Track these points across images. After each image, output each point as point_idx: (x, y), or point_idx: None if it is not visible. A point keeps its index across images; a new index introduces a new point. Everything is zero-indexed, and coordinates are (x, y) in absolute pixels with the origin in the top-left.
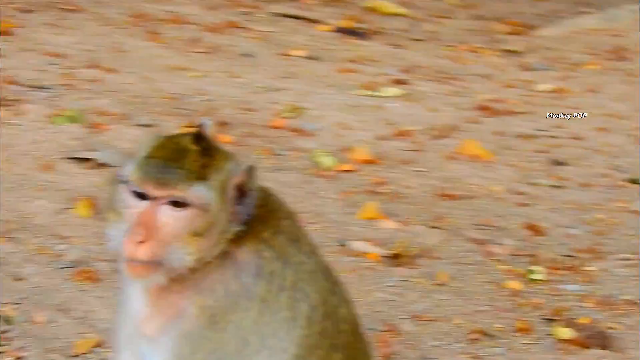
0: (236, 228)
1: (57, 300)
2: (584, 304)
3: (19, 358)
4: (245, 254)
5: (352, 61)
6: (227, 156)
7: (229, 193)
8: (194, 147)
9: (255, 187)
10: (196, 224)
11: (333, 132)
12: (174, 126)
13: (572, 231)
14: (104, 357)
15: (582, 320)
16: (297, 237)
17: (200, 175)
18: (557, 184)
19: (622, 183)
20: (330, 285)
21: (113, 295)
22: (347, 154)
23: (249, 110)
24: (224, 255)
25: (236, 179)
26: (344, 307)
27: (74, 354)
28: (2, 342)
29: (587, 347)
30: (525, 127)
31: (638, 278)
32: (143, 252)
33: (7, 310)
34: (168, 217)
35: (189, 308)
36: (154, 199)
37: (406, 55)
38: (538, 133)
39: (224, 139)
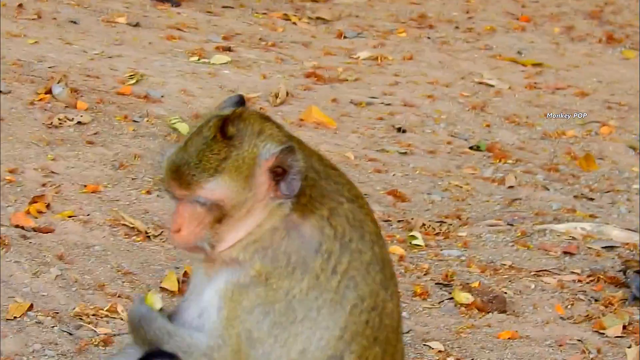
0: (283, 202)
1: None
2: (468, 269)
3: None
4: (308, 229)
5: (173, 28)
6: (258, 140)
7: (260, 177)
8: (217, 138)
9: (296, 165)
10: (217, 214)
11: (179, 99)
12: (29, 92)
13: (433, 197)
14: (39, 320)
15: (474, 286)
16: (361, 224)
17: (216, 171)
18: (404, 151)
19: (466, 150)
20: (384, 279)
21: (27, 259)
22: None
23: (94, 77)
24: (291, 225)
25: (268, 163)
26: (392, 303)
27: (9, 317)
28: None
29: (487, 312)
30: (357, 94)
31: (510, 243)
32: (179, 240)
33: None
34: (192, 212)
35: (248, 266)
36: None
37: (221, 23)
38: (371, 100)
39: (80, 106)
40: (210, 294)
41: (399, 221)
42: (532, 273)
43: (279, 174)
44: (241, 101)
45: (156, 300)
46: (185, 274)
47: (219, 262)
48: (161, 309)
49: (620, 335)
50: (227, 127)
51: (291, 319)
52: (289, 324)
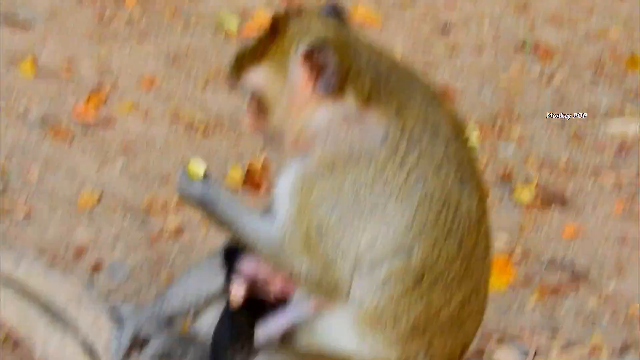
0: (331, 97)
1: (41, 156)
2: (526, 166)
3: (29, 212)
4: (373, 120)
5: None
6: (298, 35)
7: (295, 71)
8: (268, 32)
9: (330, 61)
10: (264, 105)
11: None
12: None
13: (483, 95)
14: (110, 211)
15: (534, 182)
16: (434, 124)
17: (255, 61)
18: (450, 50)
19: (511, 49)
20: (460, 179)
21: (91, 151)
22: (247, 17)
23: None
24: (351, 117)
25: (300, 58)
26: (469, 204)
27: (80, 209)
28: (6, 197)
29: (549, 209)
30: None
31: (564, 140)
32: (249, 130)
33: None
34: (251, 103)
35: (313, 154)
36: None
37: None
38: None
39: (130, 1)
40: (281, 186)
41: None
42: (589, 171)
43: (317, 70)
44: (336, 10)
45: (199, 165)
46: (249, 168)
47: (287, 154)
48: (205, 173)
49: None
50: (278, 22)
51: (359, 211)
52: (357, 216)
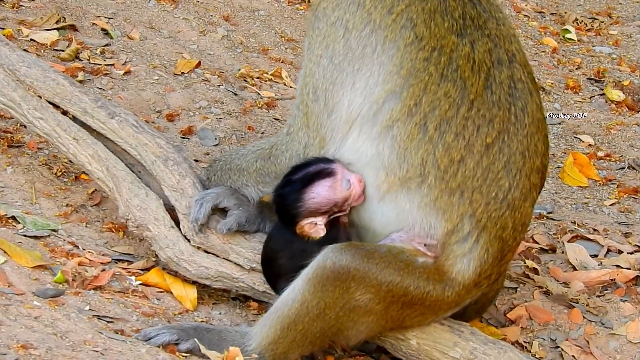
0: None
1: (145, 17)
2: (619, 67)
3: (127, 72)
4: None
5: None
6: None
7: None
8: None
9: None
10: None
11: None
12: None
13: None
14: (206, 78)
15: (626, 84)
16: None
17: None
18: None
19: None
20: (459, 26)
21: (195, 17)
22: None
23: None
24: None
25: None
26: (470, 48)
27: (177, 73)
28: (107, 55)
29: (637, 111)
30: None
31: None
32: None
33: (103, 24)
34: None
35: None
36: None
37: None
38: None
39: None
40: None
41: (552, 14)
42: None
43: None
44: None
45: None
46: None
47: None
48: None
49: None
50: None
51: (350, 57)
52: (349, 63)
